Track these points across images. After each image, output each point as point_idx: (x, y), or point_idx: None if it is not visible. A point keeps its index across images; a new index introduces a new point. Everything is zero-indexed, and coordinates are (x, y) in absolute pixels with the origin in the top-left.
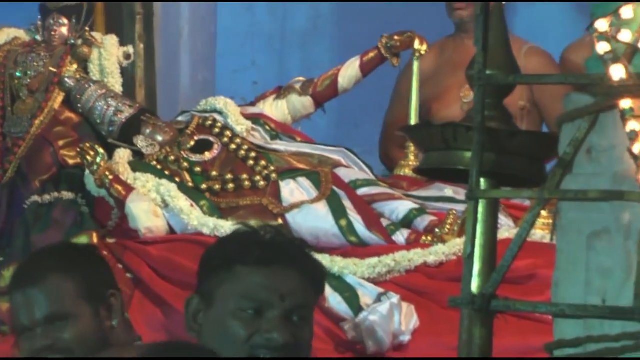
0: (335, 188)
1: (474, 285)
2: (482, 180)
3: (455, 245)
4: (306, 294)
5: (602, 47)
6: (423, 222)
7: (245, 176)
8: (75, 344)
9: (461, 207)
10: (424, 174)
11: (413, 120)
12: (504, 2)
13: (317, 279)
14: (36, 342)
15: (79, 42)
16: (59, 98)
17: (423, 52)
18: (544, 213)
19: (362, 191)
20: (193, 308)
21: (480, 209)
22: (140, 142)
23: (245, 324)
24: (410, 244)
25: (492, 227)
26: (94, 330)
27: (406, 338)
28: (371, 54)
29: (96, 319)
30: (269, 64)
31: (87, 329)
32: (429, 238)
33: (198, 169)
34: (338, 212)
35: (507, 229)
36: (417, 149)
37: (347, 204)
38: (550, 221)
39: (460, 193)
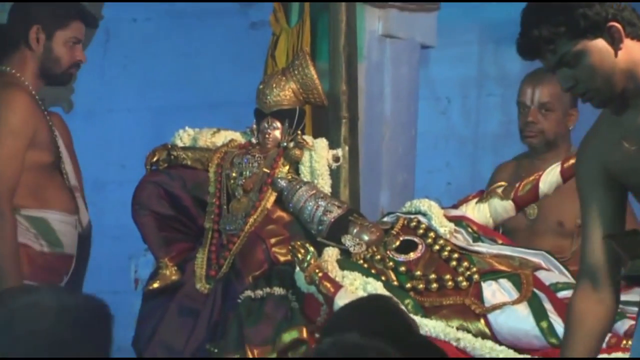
0: (536, 290)
1: None
2: None
3: None
4: None
5: None
6: (623, 326)
7: (448, 276)
8: None
9: None
10: (631, 281)
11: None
12: None
13: None
14: None
15: (291, 144)
16: (271, 197)
17: None
18: None
19: (562, 294)
20: None
21: None
22: (348, 241)
23: None
24: (611, 347)
25: None
26: None
27: None
28: (572, 160)
29: None
30: (462, 166)
31: None
32: (630, 342)
33: (403, 268)
34: (539, 314)
35: None
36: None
37: (548, 306)
38: None
39: None
